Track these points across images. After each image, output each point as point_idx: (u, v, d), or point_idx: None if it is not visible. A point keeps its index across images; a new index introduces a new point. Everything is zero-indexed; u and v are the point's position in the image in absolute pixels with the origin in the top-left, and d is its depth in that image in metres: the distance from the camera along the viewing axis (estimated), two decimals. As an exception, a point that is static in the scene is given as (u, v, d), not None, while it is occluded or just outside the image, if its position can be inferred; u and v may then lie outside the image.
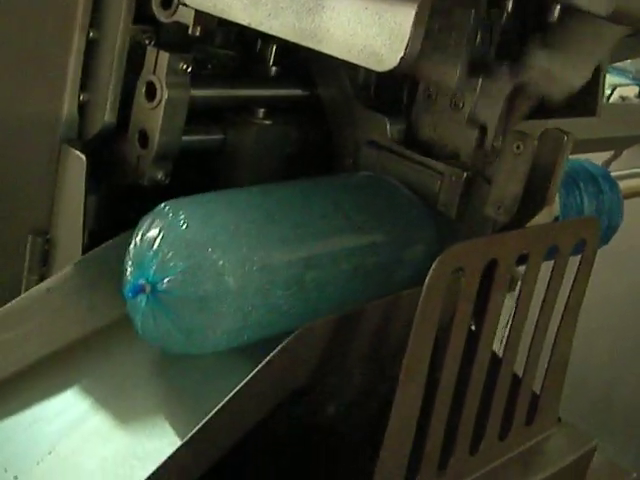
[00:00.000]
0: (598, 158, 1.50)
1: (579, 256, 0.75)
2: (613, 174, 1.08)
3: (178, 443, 0.58)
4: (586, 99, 0.80)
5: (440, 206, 0.77)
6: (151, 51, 0.74)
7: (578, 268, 0.74)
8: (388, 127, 0.82)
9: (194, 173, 0.82)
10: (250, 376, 0.60)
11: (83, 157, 0.74)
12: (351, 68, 0.82)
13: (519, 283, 0.70)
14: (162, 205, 0.64)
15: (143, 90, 0.75)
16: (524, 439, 0.76)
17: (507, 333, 0.71)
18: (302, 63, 0.86)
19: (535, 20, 0.74)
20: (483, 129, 0.78)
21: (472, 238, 0.65)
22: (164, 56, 0.74)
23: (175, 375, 0.68)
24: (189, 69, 0.74)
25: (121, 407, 0.65)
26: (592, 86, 0.78)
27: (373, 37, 0.58)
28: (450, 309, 0.63)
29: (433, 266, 0.59)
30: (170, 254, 0.61)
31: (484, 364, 0.68)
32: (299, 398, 0.68)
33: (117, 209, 0.79)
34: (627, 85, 1.85)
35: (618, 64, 1.82)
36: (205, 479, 0.60)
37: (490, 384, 0.70)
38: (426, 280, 0.59)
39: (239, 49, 0.87)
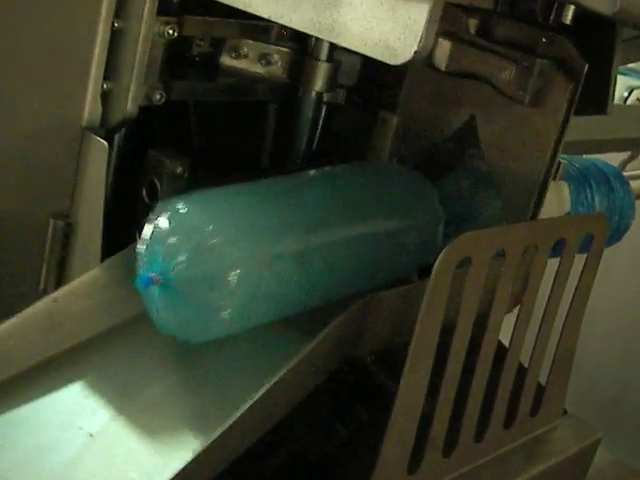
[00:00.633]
0: (615, 159, 1.51)
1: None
2: (627, 174, 1.09)
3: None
4: (597, 97, 0.81)
5: (513, 93, 0.79)
6: (152, 154, 0.79)
7: (585, 263, 0.76)
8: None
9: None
10: (312, 345, 0.64)
11: (105, 144, 0.75)
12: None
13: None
14: (161, 203, 0.67)
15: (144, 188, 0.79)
16: (529, 429, 0.78)
17: (514, 324, 0.72)
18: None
19: None
20: None
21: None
22: (163, 160, 0.78)
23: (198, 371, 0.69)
24: (186, 173, 0.78)
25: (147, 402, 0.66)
26: (603, 84, 0.80)
27: (388, 32, 0.60)
28: (457, 298, 0.65)
29: (440, 255, 0.61)
30: (173, 240, 0.63)
31: (490, 353, 0.70)
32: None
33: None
34: (645, 87, 1.86)
35: (635, 66, 1.82)
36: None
37: (496, 374, 0.72)
38: (433, 269, 0.61)
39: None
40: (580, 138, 1.10)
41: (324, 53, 0.86)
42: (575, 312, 0.78)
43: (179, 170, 0.78)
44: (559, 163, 0.84)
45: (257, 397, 0.60)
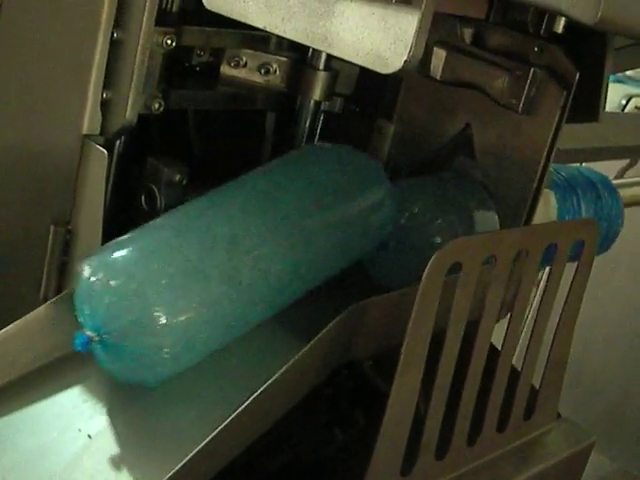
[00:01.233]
0: (613, 167, 1.52)
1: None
2: (625, 181, 1.10)
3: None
4: (589, 105, 0.82)
5: (506, 102, 0.80)
6: (151, 162, 0.80)
7: (577, 268, 0.77)
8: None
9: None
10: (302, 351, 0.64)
11: (105, 152, 0.77)
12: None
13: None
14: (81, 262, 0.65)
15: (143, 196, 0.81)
16: (523, 432, 0.79)
17: (506, 328, 0.73)
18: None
19: None
20: None
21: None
22: (162, 169, 0.79)
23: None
24: (184, 181, 0.80)
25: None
26: (595, 92, 0.81)
27: (379, 41, 0.62)
28: (449, 304, 0.66)
29: (431, 261, 0.61)
30: (97, 296, 0.63)
31: (482, 357, 0.71)
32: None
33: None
34: (643, 95, 1.87)
35: (634, 74, 1.83)
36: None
37: (489, 377, 0.73)
38: (424, 274, 0.62)
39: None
40: (575, 146, 1.10)
41: (322, 62, 0.88)
42: (568, 316, 0.79)
43: (177, 178, 0.79)
44: (547, 171, 0.85)
45: (250, 400, 0.61)
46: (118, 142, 0.80)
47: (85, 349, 0.62)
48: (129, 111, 0.78)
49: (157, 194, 0.80)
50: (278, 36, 0.69)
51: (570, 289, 0.77)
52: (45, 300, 0.77)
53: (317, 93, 0.89)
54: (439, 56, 0.82)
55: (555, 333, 0.79)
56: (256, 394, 0.62)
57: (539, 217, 0.80)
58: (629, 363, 2.19)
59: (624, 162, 1.60)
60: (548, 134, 0.79)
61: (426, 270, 0.62)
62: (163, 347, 0.63)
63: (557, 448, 0.81)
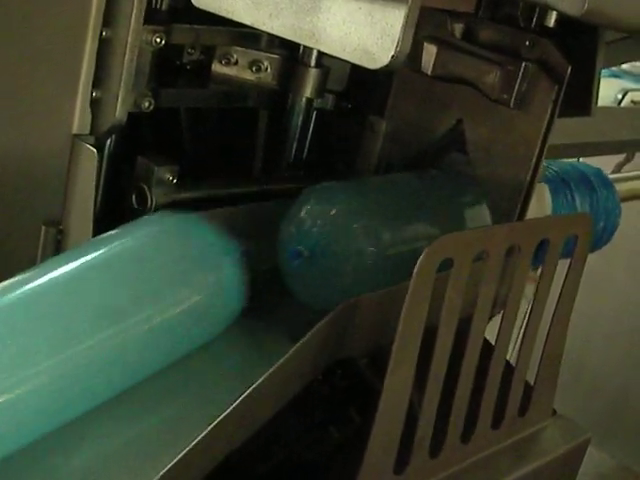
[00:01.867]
0: (610, 161, 1.51)
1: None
2: (622, 175, 1.10)
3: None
4: (581, 99, 0.82)
5: (498, 96, 0.80)
6: (141, 161, 0.79)
7: (570, 263, 0.76)
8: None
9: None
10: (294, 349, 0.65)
11: (95, 151, 0.76)
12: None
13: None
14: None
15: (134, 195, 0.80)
16: (518, 429, 0.79)
17: (500, 324, 0.73)
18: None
19: None
20: None
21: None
22: (152, 168, 0.78)
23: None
24: (175, 180, 0.79)
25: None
26: (587, 86, 0.81)
27: (366, 36, 0.61)
28: (441, 300, 0.65)
29: (421, 256, 0.61)
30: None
31: (475, 354, 0.70)
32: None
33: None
34: (638, 90, 1.86)
35: (630, 69, 1.83)
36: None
37: (483, 373, 0.73)
38: (415, 270, 0.61)
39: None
40: (571, 141, 1.10)
41: (313, 59, 0.87)
42: (562, 312, 0.78)
43: (168, 177, 0.79)
44: (540, 165, 0.85)
45: (241, 399, 0.61)
46: (108, 141, 0.80)
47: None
48: (119, 110, 0.78)
49: (148, 193, 0.79)
50: (269, 33, 0.69)
51: (564, 284, 0.77)
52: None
53: (309, 90, 0.89)
54: (430, 51, 0.82)
55: (549, 329, 0.78)
56: (244, 395, 0.61)
57: (533, 212, 0.80)
58: (629, 360, 2.19)
59: (621, 157, 1.60)
60: (540, 129, 0.78)
61: (416, 266, 0.61)
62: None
63: (552, 445, 0.80)
